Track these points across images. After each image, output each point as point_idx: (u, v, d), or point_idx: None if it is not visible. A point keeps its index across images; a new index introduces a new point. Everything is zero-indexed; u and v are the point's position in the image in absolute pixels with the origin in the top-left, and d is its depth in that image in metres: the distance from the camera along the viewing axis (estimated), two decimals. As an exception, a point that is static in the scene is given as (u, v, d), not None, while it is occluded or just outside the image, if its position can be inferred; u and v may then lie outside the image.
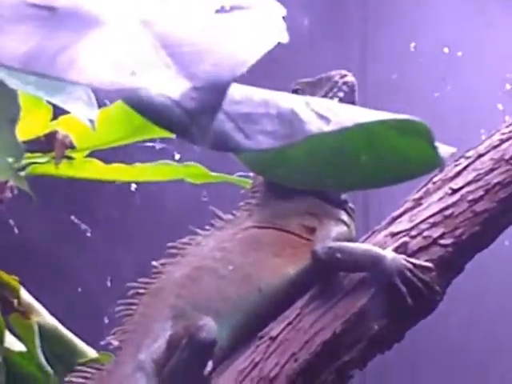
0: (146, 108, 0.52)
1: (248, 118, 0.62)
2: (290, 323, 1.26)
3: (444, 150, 0.72)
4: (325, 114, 0.67)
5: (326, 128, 0.65)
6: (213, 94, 0.53)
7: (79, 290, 2.26)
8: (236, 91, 0.64)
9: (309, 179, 0.77)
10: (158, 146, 2.19)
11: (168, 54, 0.54)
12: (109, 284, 2.26)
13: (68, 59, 0.51)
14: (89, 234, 2.27)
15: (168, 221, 2.28)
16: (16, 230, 2.17)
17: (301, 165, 0.73)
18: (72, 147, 1.17)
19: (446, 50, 2.70)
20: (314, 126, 0.65)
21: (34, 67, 0.52)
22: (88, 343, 1.37)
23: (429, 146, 0.70)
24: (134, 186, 2.28)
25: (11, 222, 2.16)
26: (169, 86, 0.52)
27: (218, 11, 0.61)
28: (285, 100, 0.67)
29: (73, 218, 2.26)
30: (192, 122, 0.52)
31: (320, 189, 1.21)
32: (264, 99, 0.66)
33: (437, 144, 0.70)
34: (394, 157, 0.73)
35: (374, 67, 2.67)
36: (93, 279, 2.27)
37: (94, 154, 1.31)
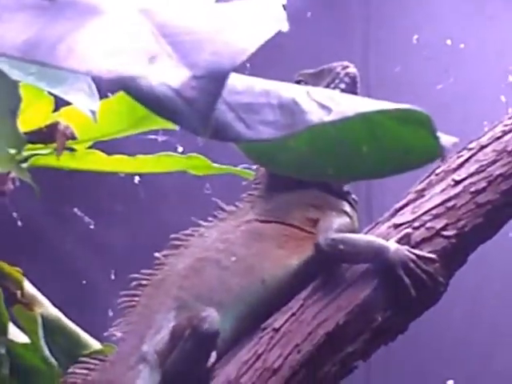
0: (145, 97, 0.52)
1: (249, 108, 0.62)
2: (293, 314, 1.26)
3: (446, 139, 0.72)
4: (326, 104, 0.66)
5: (327, 118, 0.65)
6: (213, 82, 0.53)
7: (83, 282, 2.26)
8: (237, 81, 0.64)
9: (310, 169, 0.76)
10: (161, 138, 2.19)
11: (168, 42, 0.54)
12: (113, 277, 2.26)
13: (67, 48, 0.51)
14: (92, 227, 2.27)
15: (171, 212, 2.28)
16: (19, 223, 2.18)
17: (302, 155, 0.72)
18: (73, 138, 1.17)
19: (448, 42, 2.69)
20: (316, 115, 0.65)
21: (33, 56, 0.52)
22: (92, 335, 1.37)
23: (430, 135, 0.69)
24: (137, 179, 2.28)
25: (14, 214, 2.16)
26: (169, 74, 0.52)
27: (217, 0, 0.61)
28: (286, 90, 0.67)
29: (76, 210, 2.26)
30: (192, 111, 0.52)
31: (321, 179, 1.20)
32: (265, 89, 0.65)
33: (438, 134, 0.70)
34: (395, 146, 0.73)
35: (377, 60, 2.67)
36: (97, 271, 2.28)
37: (96, 145, 1.31)
